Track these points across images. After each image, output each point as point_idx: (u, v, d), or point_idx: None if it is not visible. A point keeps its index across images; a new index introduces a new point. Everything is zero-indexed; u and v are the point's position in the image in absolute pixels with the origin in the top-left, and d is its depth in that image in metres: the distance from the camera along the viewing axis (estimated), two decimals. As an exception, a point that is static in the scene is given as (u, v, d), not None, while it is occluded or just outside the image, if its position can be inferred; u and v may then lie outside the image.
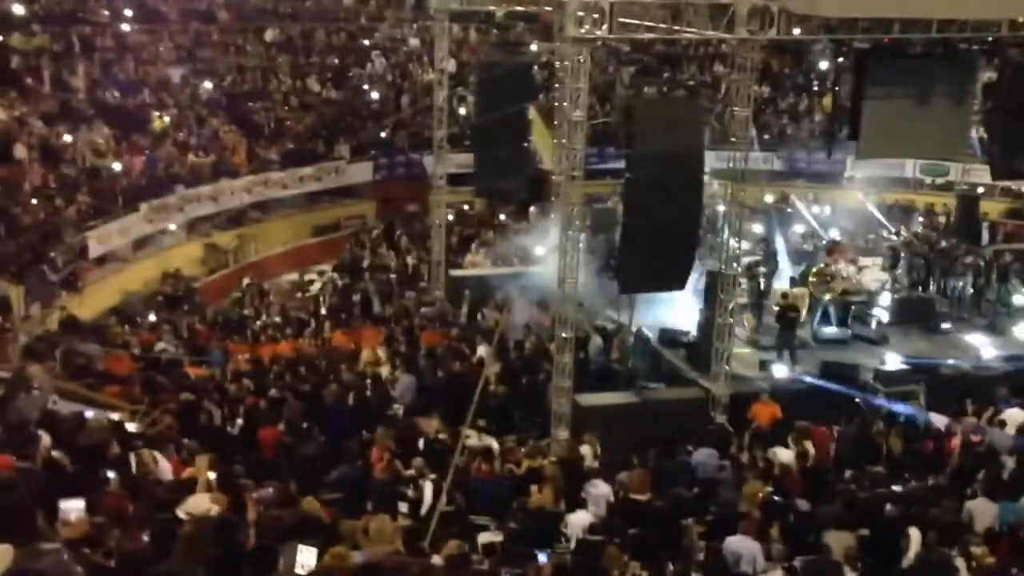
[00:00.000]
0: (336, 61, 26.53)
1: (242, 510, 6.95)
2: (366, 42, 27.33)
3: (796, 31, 14.18)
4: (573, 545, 9.57)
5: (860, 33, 15.47)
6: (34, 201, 18.10)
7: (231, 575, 5.34)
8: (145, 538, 5.92)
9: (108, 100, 21.79)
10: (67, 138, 19.94)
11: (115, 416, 10.43)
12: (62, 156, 19.67)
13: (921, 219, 22.76)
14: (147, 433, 10.04)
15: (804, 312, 16.56)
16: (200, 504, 6.94)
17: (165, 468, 8.41)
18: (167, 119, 22.23)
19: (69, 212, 18.37)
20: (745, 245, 15.20)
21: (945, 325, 16.98)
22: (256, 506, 7.23)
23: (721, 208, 14.67)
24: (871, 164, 22.55)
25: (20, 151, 18.91)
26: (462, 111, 24.33)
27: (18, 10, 22.07)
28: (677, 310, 16.09)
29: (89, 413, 9.93)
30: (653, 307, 16.29)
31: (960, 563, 9.01)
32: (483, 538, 9.35)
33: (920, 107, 17.39)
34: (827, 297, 16.45)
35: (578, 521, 9.88)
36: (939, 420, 13.34)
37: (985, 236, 21.30)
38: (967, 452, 12.19)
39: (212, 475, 7.82)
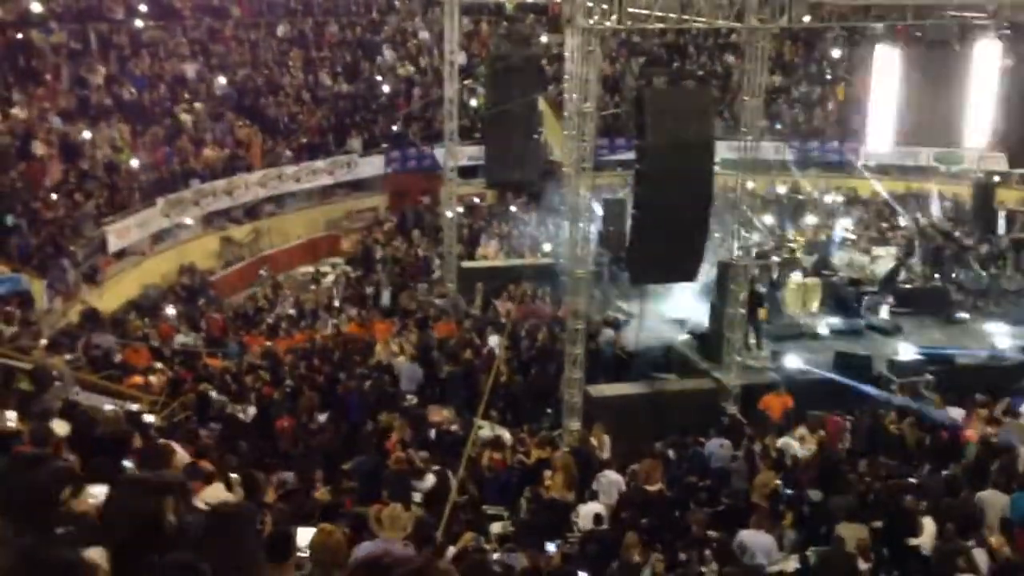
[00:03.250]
0: (347, 55, 26.63)
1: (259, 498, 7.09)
2: (377, 36, 27.40)
3: (807, 19, 14.14)
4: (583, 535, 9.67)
5: (872, 20, 15.42)
6: (54, 197, 18.33)
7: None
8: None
9: (125, 96, 21.99)
10: (85, 134, 20.16)
11: (134, 407, 10.61)
12: (80, 152, 19.89)
13: (935, 208, 22.61)
14: (165, 424, 10.21)
15: (816, 303, 16.58)
16: (217, 493, 7.07)
17: (183, 459, 8.55)
18: (190, 115, 22.44)
19: (88, 207, 18.60)
20: (756, 236, 15.19)
21: (960, 315, 16.89)
22: (275, 490, 7.38)
23: (732, 198, 14.67)
24: (885, 153, 22.43)
25: (39, 147, 19.14)
26: (473, 103, 24.38)
27: (36, 8, 22.27)
28: (689, 301, 16.13)
29: (108, 404, 10.13)
30: (664, 298, 16.33)
31: (977, 554, 9.01)
32: (495, 528, 9.46)
33: (935, 94, 17.31)
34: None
35: (589, 511, 9.97)
36: (954, 411, 13.30)
37: (1002, 224, 21.12)
38: (983, 444, 12.14)
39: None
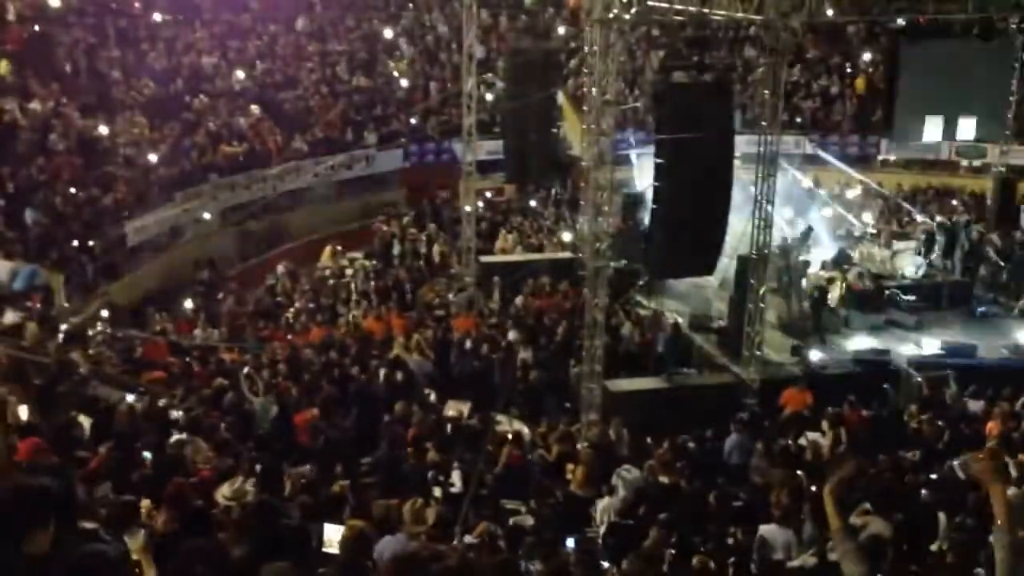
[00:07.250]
0: (365, 49, 26.63)
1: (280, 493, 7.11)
2: (392, 31, 27.39)
3: (828, 12, 14.02)
4: (603, 529, 9.64)
5: (894, 13, 15.27)
6: (73, 191, 18.41)
7: (271, 555, 5.46)
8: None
9: (144, 90, 22.09)
10: (104, 129, 20.25)
11: (160, 401, 10.67)
12: (99, 146, 19.98)
13: (956, 202, 22.38)
14: (184, 418, 10.26)
15: (837, 296, 16.45)
16: (237, 487, 7.11)
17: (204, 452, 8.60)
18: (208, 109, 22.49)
19: (106, 202, 18.69)
20: (775, 231, 15.09)
21: (981, 310, 16.75)
22: (295, 484, 7.40)
23: (751, 192, 14.56)
24: (906, 147, 22.27)
25: (58, 142, 19.24)
26: (490, 97, 24.32)
27: (54, 2, 22.40)
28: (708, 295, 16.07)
29: (129, 398, 10.19)
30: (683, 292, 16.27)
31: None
32: (513, 523, 9.42)
33: (956, 88, 17.14)
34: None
35: (608, 506, 9.94)
36: (974, 405, 13.19)
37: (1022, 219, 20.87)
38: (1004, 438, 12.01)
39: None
